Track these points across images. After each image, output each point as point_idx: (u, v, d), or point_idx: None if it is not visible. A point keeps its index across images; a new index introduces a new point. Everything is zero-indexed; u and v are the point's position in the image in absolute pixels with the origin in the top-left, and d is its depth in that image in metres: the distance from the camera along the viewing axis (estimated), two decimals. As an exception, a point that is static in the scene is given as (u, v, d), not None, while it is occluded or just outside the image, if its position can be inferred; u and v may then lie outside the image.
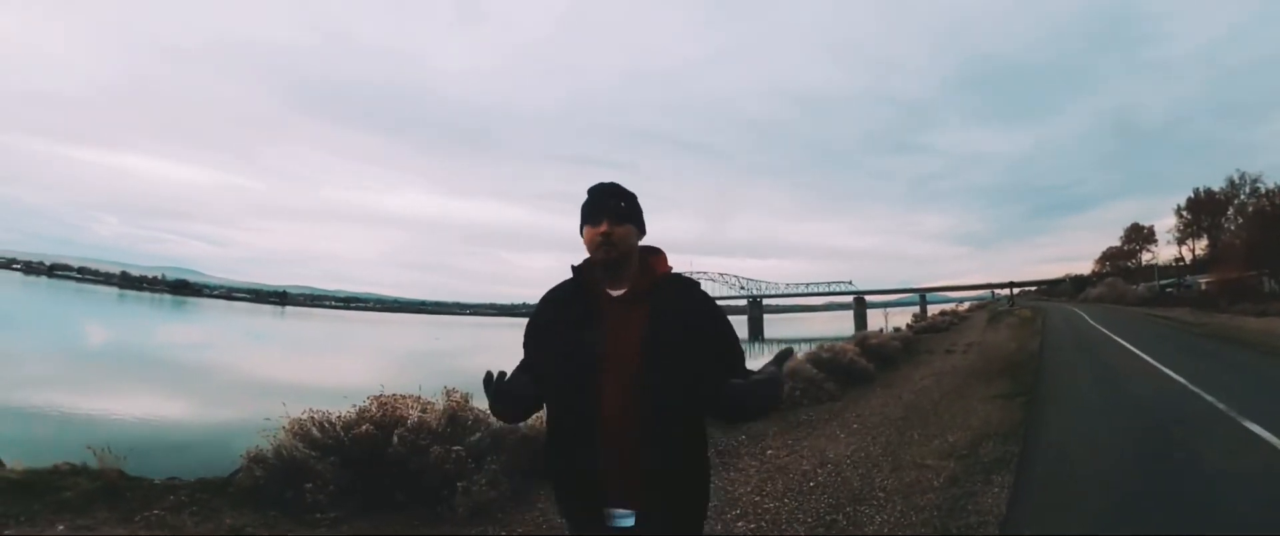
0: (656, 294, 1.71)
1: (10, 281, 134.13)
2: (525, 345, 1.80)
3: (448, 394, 5.41)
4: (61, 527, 4.11)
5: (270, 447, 4.75)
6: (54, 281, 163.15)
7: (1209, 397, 7.74)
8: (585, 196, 1.77)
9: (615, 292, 1.70)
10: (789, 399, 8.76)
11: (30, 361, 21.99)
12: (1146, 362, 11.88)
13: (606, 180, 1.81)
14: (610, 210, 1.70)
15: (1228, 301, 37.06)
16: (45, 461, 5.00)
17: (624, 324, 1.65)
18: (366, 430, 4.83)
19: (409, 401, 5.26)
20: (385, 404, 5.18)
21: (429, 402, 5.31)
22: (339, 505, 4.45)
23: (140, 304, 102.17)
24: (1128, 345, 15.73)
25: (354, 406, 5.15)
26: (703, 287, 1.90)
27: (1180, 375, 9.75)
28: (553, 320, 1.73)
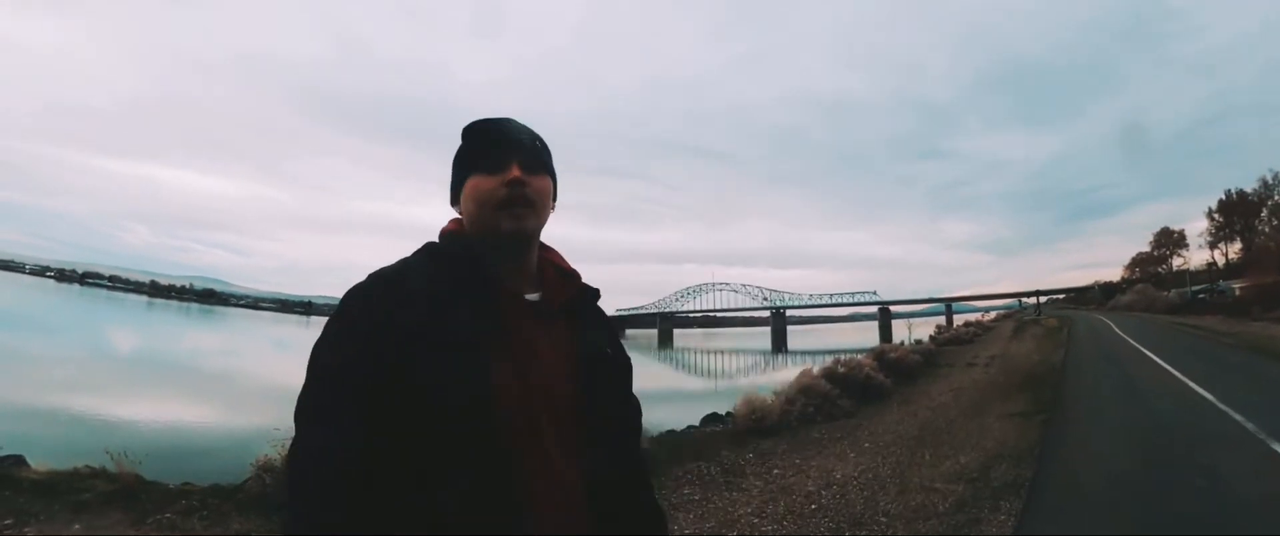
0: (579, 306, 1.18)
1: (44, 288, 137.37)
2: (342, 358, 0.99)
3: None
4: (77, 527, 4.32)
5: (279, 456, 4.80)
6: (86, 289, 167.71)
7: (1237, 417, 7.45)
8: (462, 139, 1.14)
9: (529, 295, 1.11)
10: (802, 416, 8.65)
11: (62, 366, 22.46)
12: (1173, 377, 11.52)
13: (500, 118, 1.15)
14: (521, 149, 1.10)
15: (1262, 308, 36.13)
16: (69, 463, 5.25)
17: (544, 345, 1.07)
18: None
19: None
20: None
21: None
22: None
23: (169, 312, 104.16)
24: (1154, 358, 15.33)
25: None
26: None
27: (1208, 391, 9.42)
28: (422, 325, 0.98)
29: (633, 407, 1.25)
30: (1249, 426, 6.95)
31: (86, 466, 5.21)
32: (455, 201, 1.14)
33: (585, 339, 1.13)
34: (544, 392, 1.02)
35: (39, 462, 5.47)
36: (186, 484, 5.32)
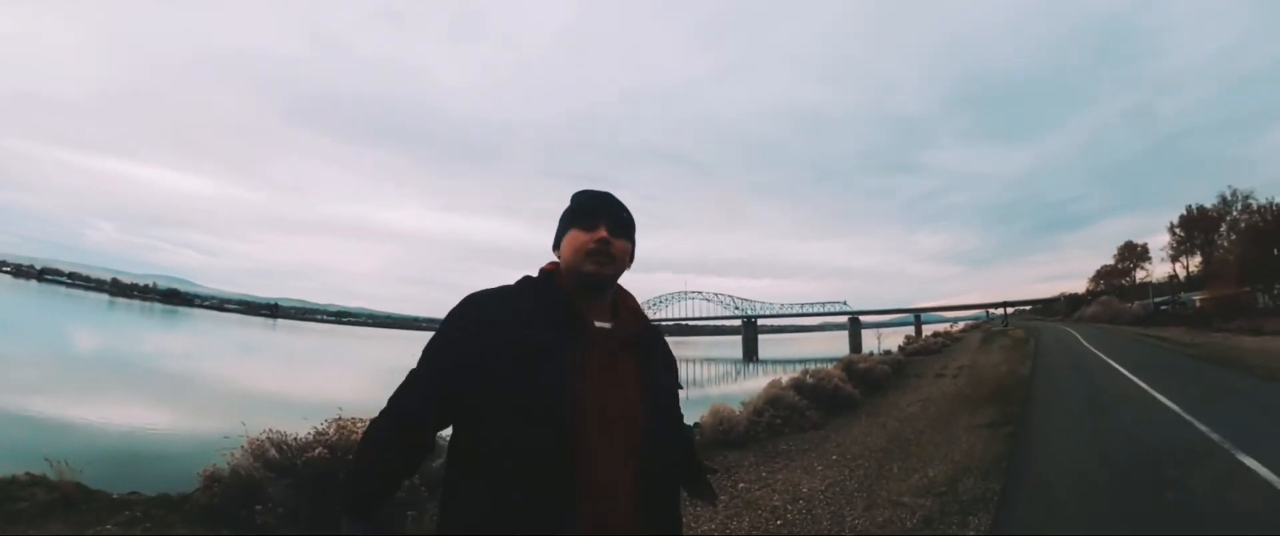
0: (645, 339, 1.44)
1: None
2: (444, 348, 1.31)
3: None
4: None
5: (227, 466, 4.70)
6: (43, 286, 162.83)
7: (1202, 427, 7.42)
8: (570, 202, 1.46)
9: (601, 323, 1.37)
10: (769, 427, 8.47)
11: (9, 366, 21.64)
12: (1139, 388, 11.57)
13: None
14: (612, 216, 1.41)
15: (1222, 319, 36.97)
16: (11, 470, 4.98)
17: (616, 365, 1.33)
18: (320, 453, 4.68)
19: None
20: (344, 427, 5.00)
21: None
22: (288, 528, 4.35)
23: (130, 312, 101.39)
24: (1120, 368, 15.46)
25: (313, 428, 4.98)
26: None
27: (1173, 402, 9.44)
28: (512, 326, 1.27)
29: (686, 436, 1.60)
30: (1214, 437, 6.90)
31: (26, 474, 4.94)
32: (556, 247, 1.43)
33: (651, 368, 1.41)
34: (612, 408, 1.28)
35: None
36: (133, 493, 5.09)
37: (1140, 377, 13.17)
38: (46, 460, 4.90)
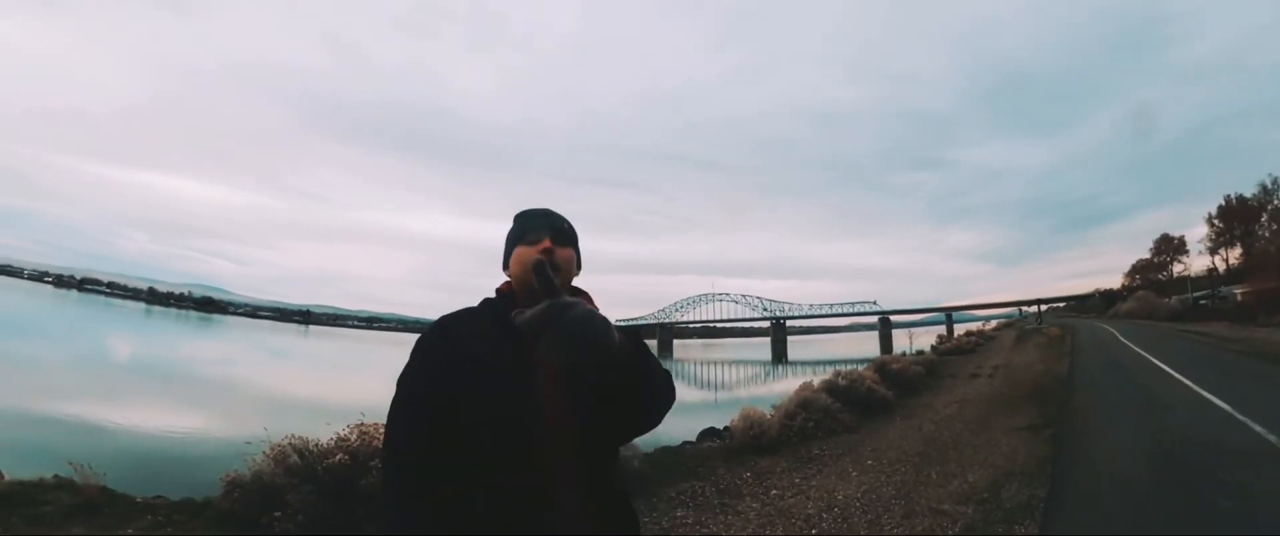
0: None
1: (41, 294, 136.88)
2: (417, 374, 1.39)
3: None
4: None
5: (249, 472, 4.70)
6: (84, 295, 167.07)
7: (1258, 428, 7.10)
8: (513, 223, 1.57)
9: None
10: (801, 431, 8.29)
11: (52, 372, 22.21)
12: (1184, 386, 11.16)
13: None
14: (553, 227, 1.51)
15: (1266, 313, 35.75)
16: (46, 472, 5.06)
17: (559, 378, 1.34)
18: (340, 460, 4.69)
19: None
20: (366, 432, 5.00)
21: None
22: (311, 533, 4.36)
23: (166, 319, 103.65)
24: (1162, 365, 14.96)
25: (336, 434, 4.99)
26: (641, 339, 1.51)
27: (1224, 402, 9.07)
28: (475, 345, 1.37)
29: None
30: (1272, 438, 6.61)
31: (54, 477, 5.01)
32: (506, 267, 1.52)
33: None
34: (568, 416, 1.29)
35: (10, 472, 5.26)
36: (158, 497, 5.13)
37: (1184, 375, 12.73)
38: (70, 464, 4.95)
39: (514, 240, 1.52)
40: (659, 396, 1.41)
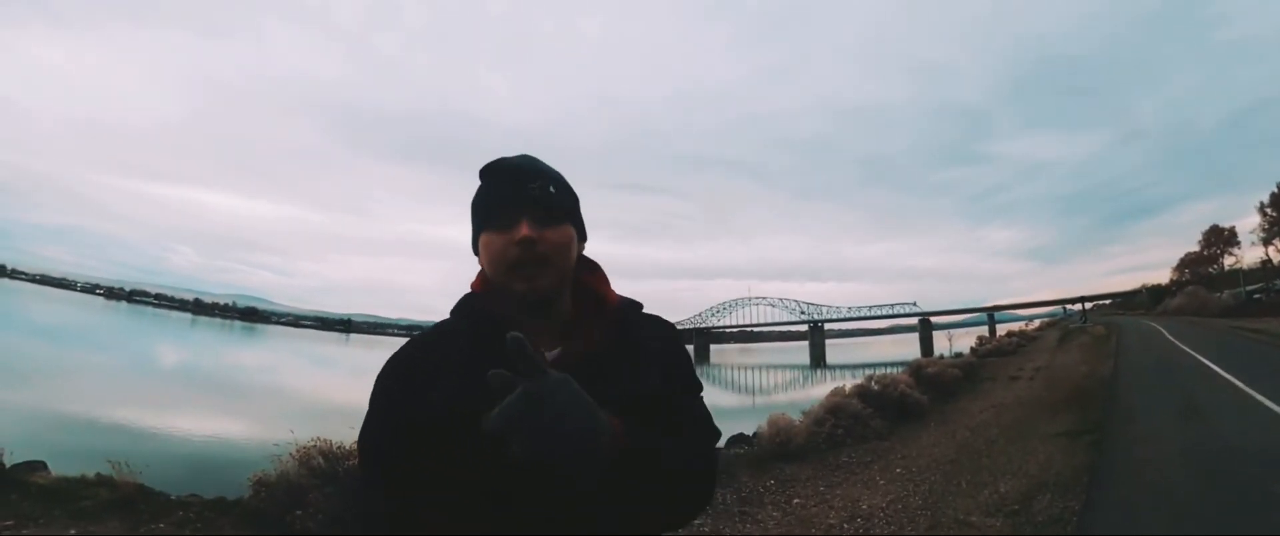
0: (615, 351, 1.06)
1: (92, 305, 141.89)
2: (376, 423, 1.06)
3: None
4: (72, 532, 4.46)
5: (275, 473, 4.98)
6: (133, 307, 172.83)
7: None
8: (480, 181, 1.07)
9: (550, 353, 1.01)
10: (830, 438, 8.12)
11: (99, 378, 22.96)
12: (1237, 389, 10.62)
13: (512, 156, 1.07)
14: (530, 201, 1.02)
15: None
16: (89, 471, 5.43)
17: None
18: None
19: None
20: None
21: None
22: (330, 532, 4.54)
23: (211, 329, 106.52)
24: (1213, 366, 14.29)
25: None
26: (673, 328, 1.22)
27: (1278, 404, 8.62)
28: (440, 384, 1.00)
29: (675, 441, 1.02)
30: (1336, 449, 6.25)
31: (97, 474, 5.35)
32: (476, 251, 1.07)
33: (619, 382, 1.01)
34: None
35: (58, 469, 5.69)
36: (192, 495, 5.42)
37: (1237, 376, 12.14)
38: (109, 462, 5.26)
39: (479, 218, 1.06)
40: (676, 500, 1.02)
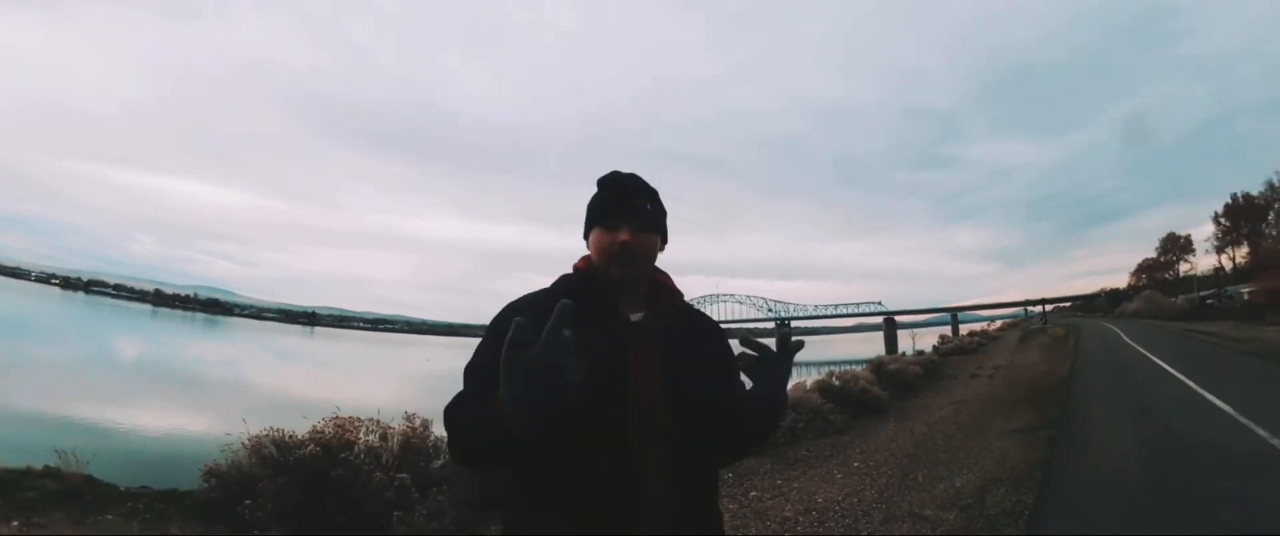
0: (683, 324, 1.41)
1: (48, 296, 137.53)
2: (483, 368, 1.26)
3: (408, 418, 5.50)
4: (15, 524, 4.26)
5: (226, 463, 4.87)
6: (90, 297, 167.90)
7: (1262, 432, 6.84)
8: (595, 188, 1.41)
9: (634, 316, 1.35)
10: (789, 432, 8.11)
11: (53, 371, 22.36)
12: (1187, 388, 10.91)
13: (625, 172, 1.42)
14: (633, 213, 1.36)
15: (1274, 312, 35.38)
16: (37, 462, 5.17)
17: (650, 356, 1.31)
18: (311, 451, 4.80)
19: (367, 424, 5.30)
20: (341, 425, 5.13)
21: (390, 427, 5.38)
22: (279, 524, 4.48)
23: (172, 321, 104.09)
24: (1166, 366, 14.68)
25: (312, 427, 5.10)
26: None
27: (1226, 403, 8.83)
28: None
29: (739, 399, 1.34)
30: (1275, 443, 6.38)
31: (44, 466, 5.16)
32: (587, 238, 1.41)
33: (689, 350, 1.36)
34: (646, 397, 1.25)
35: (2, 462, 5.30)
36: (143, 486, 5.26)
37: (1187, 375, 12.46)
38: (55, 452, 5.10)
39: (593, 217, 1.40)
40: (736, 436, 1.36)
